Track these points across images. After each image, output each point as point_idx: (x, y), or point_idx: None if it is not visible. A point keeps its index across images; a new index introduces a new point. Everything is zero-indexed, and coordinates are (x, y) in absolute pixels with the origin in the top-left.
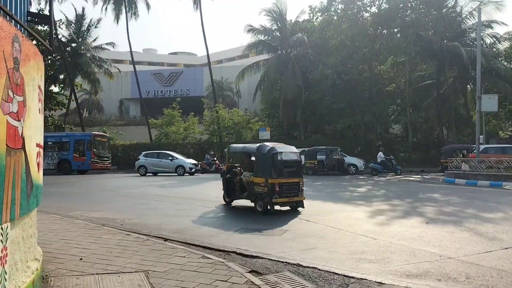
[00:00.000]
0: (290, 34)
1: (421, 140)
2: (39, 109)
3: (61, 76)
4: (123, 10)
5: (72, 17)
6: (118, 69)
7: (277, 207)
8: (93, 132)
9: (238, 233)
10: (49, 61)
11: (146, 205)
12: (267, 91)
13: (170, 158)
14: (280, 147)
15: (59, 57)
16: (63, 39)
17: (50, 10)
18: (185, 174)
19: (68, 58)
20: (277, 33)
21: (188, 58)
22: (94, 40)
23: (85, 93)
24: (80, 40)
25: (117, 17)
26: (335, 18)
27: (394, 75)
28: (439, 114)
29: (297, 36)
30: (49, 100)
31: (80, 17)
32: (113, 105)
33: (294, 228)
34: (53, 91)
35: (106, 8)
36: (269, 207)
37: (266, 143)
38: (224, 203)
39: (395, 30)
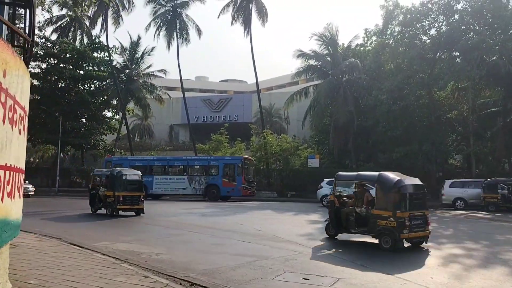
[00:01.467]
0: (341, 59)
1: (485, 172)
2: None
3: (114, 102)
4: (175, 37)
5: (127, 44)
6: (168, 95)
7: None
8: (243, 156)
9: (279, 280)
10: (104, 87)
11: (180, 236)
12: (317, 117)
13: None
14: (405, 179)
15: (112, 82)
16: (118, 66)
17: None
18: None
19: (122, 84)
20: (328, 58)
21: (238, 85)
22: (148, 67)
23: (137, 119)
24: (133, 66)
25: (168, 44)
26: (391, 41)
27: (455, 101)
28: (506, 145)
29: (349, 60)
30: (101, 124)
31: (135, 44)
32: (164, 130)
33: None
34: (106, 115)
35: (159, 34)
36: (396, 244)
37: (389, 174)
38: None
39: (456, 53)
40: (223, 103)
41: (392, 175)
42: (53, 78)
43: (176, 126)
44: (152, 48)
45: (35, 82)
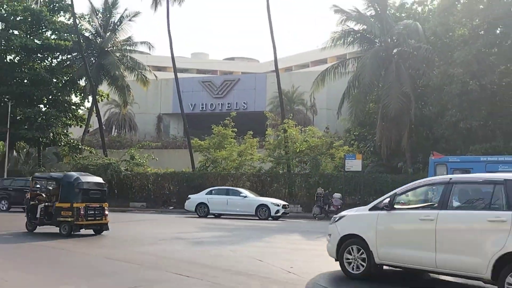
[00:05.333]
0: (394, 22)
1: None
2: None
3: (81, 83)
4: None
5: (98, 4)
6: (155, 75)
7: None
8: None
9: None
10: (68, 62)
11: (157, 285)
12: (359, 101)
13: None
14: (85, 177)
15: (79, 56)
16: (87, 34)
17: None
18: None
19: (92, 58)
20: (374, 21)
21: (247, 64)
22: (127, 40)
23: (114, 106)
24: (108, 34)
25: (155, 2)
26: None
27: None
28: None
29: (405, 22)
30: (65, 112)
31: (110, 4)
32: (150, 122)
33: None
34: (71, 101)
35: None
36: (73, 230)
37: (73, 173)
38: None
39: None
40: (228, 86)
41: (76, 174)
42: None
43: (166, 116)
44: (136, 13)
45: None
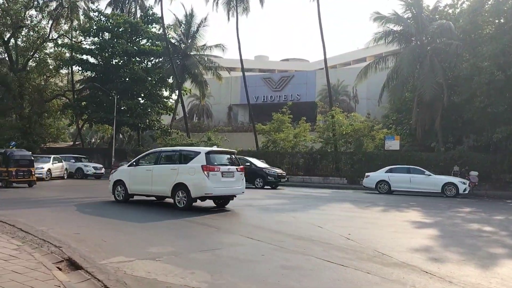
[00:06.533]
0: (428, 22)
1: None
2: None
3: (170, 80)
4: (235, 3)
5: (182, 17)
6: (228, 71)
7: None
8: None
9: None
10: (159, 64)
11: (232, 248)
12: (397, 90)
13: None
14: (14, 151)
15: (167, 59)
16: (173, 40)
17: None
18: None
19: (177, 60)
20: (411, 22)
21: (300, 64)
22: (204, 45)
23: (194, 99)
24: (189, 41)
25: (228, 13)
26: None
27: None
28: None
29: (439, 22)
30: (157, 103)
31: (189, 17)
32: (222, 111)
33: None
34: (163, 95)
35: (217, 3)
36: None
37: (14, 149)
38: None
39: None
40: (285, 81)
41: (10, 150)
42: (107, 54)
43: (235, 106)
44: (206, 18)
45: (91, 60)
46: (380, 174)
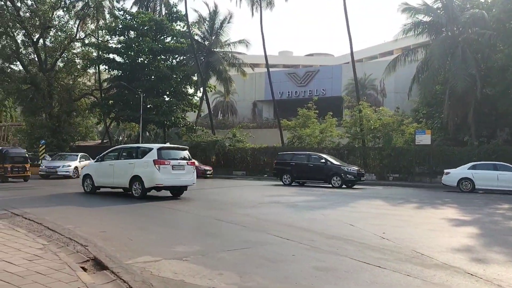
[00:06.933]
0: (459, 12)
1: None
2: None
3: (194, 78)
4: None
5: (205, 14)
6: (252, 67)
7: None
8: None
9: None
10: (184, 61)
11: (261, 247)
12: (427, 83)
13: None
14: (11, 149)
15: (192, 56)
16: (197, 37)
17: None
18: None
19: (201, 57)
20: (441, 12)
21: (325, 59)
22: (226, 41)
23: (219, 96)
24: (213, 38)
25: (252, 8)
26: None
27: None
28: None
29: (471, 12)
30: (182, 101)
31: (213, 14)
32: (247, 107)
33: None
34: (188, 92)
35: None
36: (3, 180)
37: (8, 148)
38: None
39: None
40: (309, 76)
41: (6, 148)
42: (132, 53)
43: (260, 102)
44: (231, 15)
45: (117, 58)
46: (462, 171)
